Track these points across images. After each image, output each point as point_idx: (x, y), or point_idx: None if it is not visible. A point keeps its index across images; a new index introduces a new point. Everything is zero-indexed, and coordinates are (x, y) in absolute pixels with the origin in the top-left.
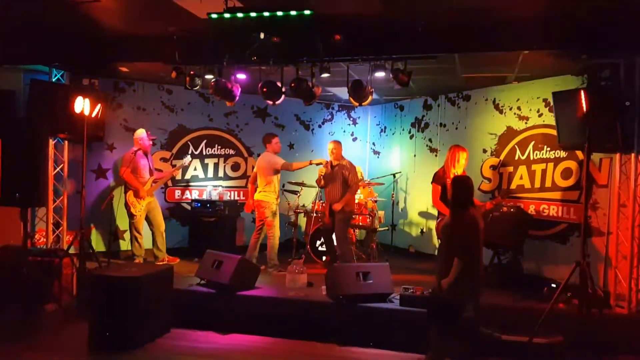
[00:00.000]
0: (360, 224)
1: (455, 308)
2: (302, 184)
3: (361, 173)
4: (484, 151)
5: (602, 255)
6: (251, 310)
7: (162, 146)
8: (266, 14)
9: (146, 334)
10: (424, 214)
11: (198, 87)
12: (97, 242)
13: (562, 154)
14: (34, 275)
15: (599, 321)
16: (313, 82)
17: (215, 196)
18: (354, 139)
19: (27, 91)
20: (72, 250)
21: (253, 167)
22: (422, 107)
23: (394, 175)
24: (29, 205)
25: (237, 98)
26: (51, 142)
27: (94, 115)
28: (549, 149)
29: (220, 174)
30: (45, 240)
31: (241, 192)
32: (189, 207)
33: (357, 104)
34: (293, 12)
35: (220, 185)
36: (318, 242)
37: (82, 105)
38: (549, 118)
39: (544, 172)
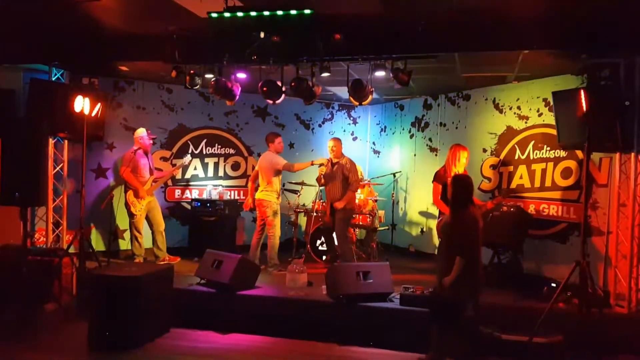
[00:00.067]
0: (361, 223)
1: (457, 307)
2: (302, 184)
3: (361, 172)
4: (484, 150)
5: (602, 255)
6: (251, 310)
7: (162, 145)
8: (266, 13)
9: (146, 333)
10: (424, 214)
11: (198, 86)
12: (97, 242)
13: (562, 153)
14: (33, 275)
15: (599, 321)
16: (313, 82)
17: (215, 195)
18: (354, 139)
19: (26, 90)
20: (72, 250)
21: (253, 167)
22: (422, 107)
23: (394, 174)
24: (28, 205)
25: (237, 97)
26: (51, 142)
27: (93, 114)
28: (548, 148)
29: (220, 173)
30: (45, 239)
31: (241, 192)
32: (189, 207)
33: (357, 103)
34: (293, 12)
35: (220, 185)
36: (318, 242)
37: (81, 104)
38: (549, 118)
39: (543, 171)
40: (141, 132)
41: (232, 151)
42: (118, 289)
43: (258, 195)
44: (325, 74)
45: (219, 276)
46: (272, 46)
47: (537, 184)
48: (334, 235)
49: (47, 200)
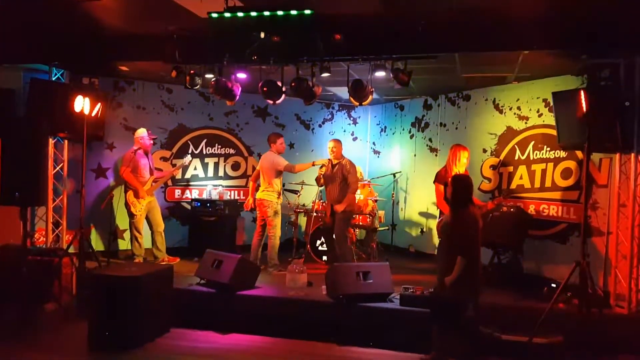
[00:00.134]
0: (361, 223)
1: (458, 307)
2: (302, 184)
3: (361, 173)
4: (484, 151)
5: (602, 255)
6: (251, 310)
7: (162, 145)
8: (266, 13)
9: (146, 333)
10: (424, 214)
11: (198, 86)
12: (97, 242)
13: (562, 153)
14: (33, 275)
15: (599, 321)
16: (313, 82)
17: (215, 195)
18: (354, 139)
19: (26, 90)
20: (71, 250)
21: (253, 167)
22: (422, 107)
23: (394, 175)
24: (28, 205)
25: (237, 97)
26: (51, 141)
27: (93, 114)
28: (548, 148)
29: (221, 173)
30: (44, 239)
31: (241, 192)
32: (189, 207)
33: (357, 103)
34: (293, 12)
35: (220, 185)
36: (318, 242)
37: (82, 104)
38: (549, 118)
39: (543, 172)
40: (141, 132)
41: (232, 151)
42: (118, 289)
43: (259, 195)
44: (325, 74)
45: (218, 276)
46: (272, 46)
47: (537, 184)
48: (334, 235)
49: (47, 200)
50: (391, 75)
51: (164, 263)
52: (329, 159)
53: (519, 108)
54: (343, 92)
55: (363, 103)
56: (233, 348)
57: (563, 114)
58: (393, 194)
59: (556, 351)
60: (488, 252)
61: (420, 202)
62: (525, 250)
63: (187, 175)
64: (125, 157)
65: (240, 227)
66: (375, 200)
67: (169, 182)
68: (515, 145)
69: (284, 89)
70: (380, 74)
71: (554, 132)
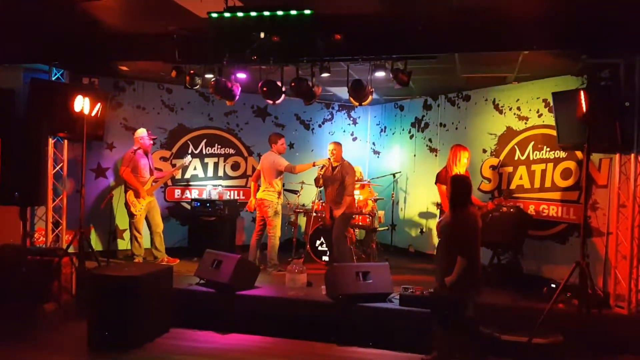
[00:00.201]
0: (360, 223)
1: (459, 306)
2: (302, 184)
3: (360, 173)
4: (484, 151)
5: (601, 256)
6: (251, 310)
7: (162, 145)
8: (266, 13)
9: (145, 333)
10: (424, 214)
11: (198, 86)
12: (96, 242)
13: (562, 154)
14: (33, 275)
15: (599, 321)
16: (313, 82)
17: (215, 195)
18: (354, 139)
19: (26, 90)
20: (71, 250)
21: (253, 167)
22: (422, 107)
23: (393, 175)
24: (28, 204)
25: (237, 97)
26: (51, 141)
27: (93, 114)
28: (548, 149)
29: (220, 173)
30: (44, 239)
31: (241, 192)
32: (188, 207)
33: (357, 103)
34: (293, 12)
35: (220, 185)
36: (318, 242)
37: (81, 104)
38: (549, 118)
39: (543, 172)
40: (141, 132)
41: (232, 151)
42: (118, 288)
43: (259, 195)
44: (325, 74)
45: (218, 276)
46: (272, 46)
47: (537, 184)
48: (333, 236)
49: (47, 200)
50: (391, 75)
51: (163, 263)
52: (328, 159)
53: (518, 108)
54: (343, 92)
55: (363, 103)
56: (233, 348)
57: (563, 114)
58: (393, 194)
59: (556, 351)
60: (488, 252)
61: (420, 202)
62: (525, 251)
63: (187, 175)
64: (125, 157)
65: (240, 227)
66: (375, 201)
67: (169, 182)
68: (515, 146)
69: (283, 89)
70: (380, 74)
71: (553, 132)
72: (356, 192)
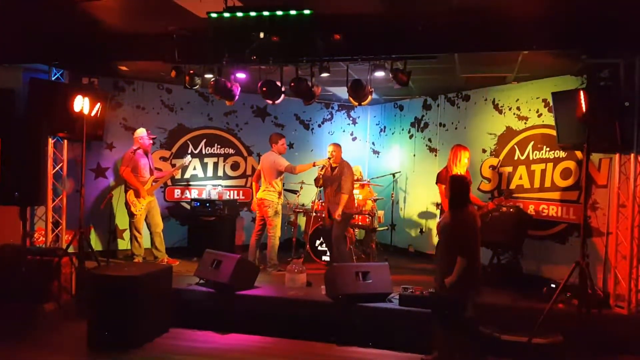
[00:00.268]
0: (360, 223)
1: (459, 306)
2: (302, 183)
3: (360, 172)
4: (484, 151)
5: (601, 256)
6: (250, 310)
7: (161, 145)
8: (266, 13)
9: (145, 333)
10: (424, 214)
11: (198, 86)
12: (96, 242)
13: (562, 154)
14: (33, 275)
15: (599, 321)
16: (313, 82)
17: (214, 195)
18: (354, 139)
19: (26, 90)
20: (71, 250)
21: (253, 167)
22: (422, 107)
23: (393, 175)
24: (28, 204)
25: (237, 97)
26: (50, 141)
27: (93, 114)
28: (548, 149)
29: (220, 173)
30: (44, 239)
31: (241, 192)
32: (188, 207)
33: (356, 103)
34: (293, 12)
35: (220, 185)
36: (317, 242)
37: (81, 104)
38: (549, 118)
39: (543, 172)
40: (141, 132)
41: (231, 151)
42: (117, 288)
43: (260, 194)
44: (324, 74)
45: (218, 276)
46: (272, 46)
47: (537, 184)
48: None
49: (47, 200)
50: (390, 75)
51: (163, 263)
52: (328, 159)
53: (518, 108)
54: (342, 92)
55: (362, 103)
56: (232, 348)
57: (563, 114)
58: (392, 194)
59: (556, 351)
60: (488, 252)
61: (420, 202)
62: (525, 251)
63: (187, 175)
64: (125, 157)
65: (240, 227)
66: (375, 200)
67: (169, 182)
68: (515, 146)
69: (283, 89)
70: (379, 74)
71: (553, 132)
72: (356, 191)
